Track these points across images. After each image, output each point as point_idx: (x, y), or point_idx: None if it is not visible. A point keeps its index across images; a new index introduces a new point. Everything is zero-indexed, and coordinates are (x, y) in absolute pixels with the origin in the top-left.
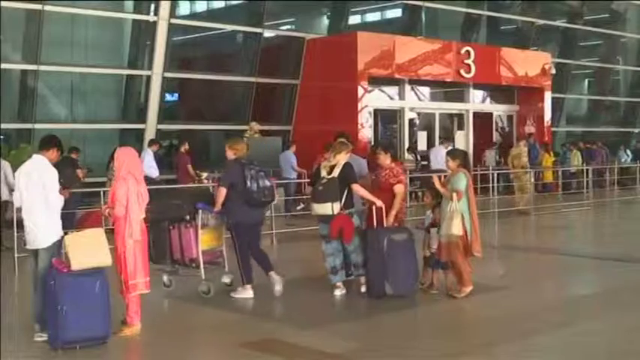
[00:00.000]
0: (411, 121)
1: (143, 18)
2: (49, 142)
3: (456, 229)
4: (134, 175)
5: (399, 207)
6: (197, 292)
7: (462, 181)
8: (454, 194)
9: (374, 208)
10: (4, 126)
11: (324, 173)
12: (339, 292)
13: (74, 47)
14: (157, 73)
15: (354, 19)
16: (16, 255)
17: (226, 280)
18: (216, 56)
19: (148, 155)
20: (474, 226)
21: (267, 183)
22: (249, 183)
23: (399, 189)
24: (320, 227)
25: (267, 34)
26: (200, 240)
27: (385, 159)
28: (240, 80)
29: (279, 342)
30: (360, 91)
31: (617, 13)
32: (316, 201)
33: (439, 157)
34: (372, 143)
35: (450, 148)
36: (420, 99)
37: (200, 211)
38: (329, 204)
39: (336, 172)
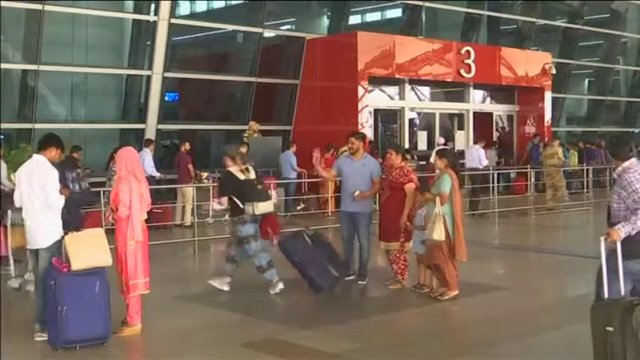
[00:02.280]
0: (411, 121)
1: (143, 18)
2: (48, 141)
3: (437, 234)
4: (135, 175)
5: (412, 205)
6: (198, 293)
7: (447, 183)
8: (437, 197)
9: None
10: (4, 126)
11: (241, 176)
12: (280, 286)
13: (74, 47)
14: (157, 73)
15: (354, 19)
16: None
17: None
18: (216, 56)
19: (148, 155)
20: (457, 230)
21: (87, 184)
22: (71, 185)
23: (409, 188)
24: (250, 227)
25: (267, 34)
26: (10, 239)
27: (396, 159)
28: (240, 80)
29: (279, 342)
30: (361, 90)
31: (617, 13)
32: (264, 199)
33: (475, 155)
34: (372, 142)
35: (481, 145)
36: (420, 99)
37: (9, 211)
38: (271, 202)
39: (253, 174)
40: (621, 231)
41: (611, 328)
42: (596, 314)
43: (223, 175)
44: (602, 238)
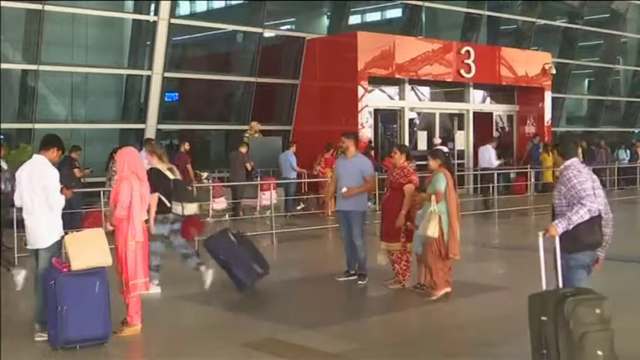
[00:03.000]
0: (411, 121)
1: (143, 18)
2: (49, 142)
3: (431, 231)
4: (137, 175)
5: (409, 206)
6: (198, 293)
7: (442, 182)
8: (433, 196)
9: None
10: (4, 126)
11: (170, 175)
12: (158, 290)
13: (74, 47)
14: (157, 73)
15: (354, 19)
16: (16, 255)
17: None
18: (216, 56)
19: None
20: (451, 228)
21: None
22: (3, 185)
23: (408, 189)
24: (167, 228)
25: (267, 34)
26: None
27: (400, 158)
28: (240, 80)
29: (279, 342)
30: (360, 90)
31: (617, 13)
32: (192, 201)
33: (487, 155)
34: (372, 142)
35: (493, 146)
36: (420, 99)
37: None
38: (197, 203)
39: (178, 174)
40: (558, 226)
41: (545, 318)
42: (532, 304)
43: (153, 172)
44: (539, 233)
